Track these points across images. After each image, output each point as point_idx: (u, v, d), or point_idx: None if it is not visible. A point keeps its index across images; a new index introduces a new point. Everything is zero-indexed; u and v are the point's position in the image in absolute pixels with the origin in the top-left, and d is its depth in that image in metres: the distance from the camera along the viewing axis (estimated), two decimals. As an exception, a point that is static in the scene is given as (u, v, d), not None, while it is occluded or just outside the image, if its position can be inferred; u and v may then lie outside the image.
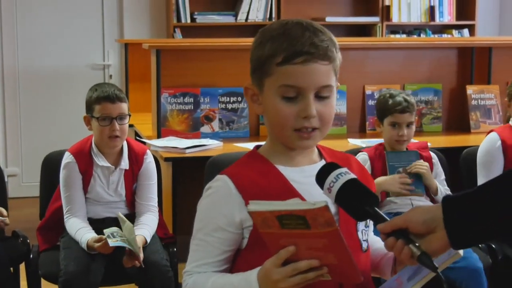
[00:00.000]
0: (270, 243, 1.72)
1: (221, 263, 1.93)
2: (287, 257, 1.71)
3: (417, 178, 4.04)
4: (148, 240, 3.84)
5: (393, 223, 1.76)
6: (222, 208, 1.91)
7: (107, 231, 3.68)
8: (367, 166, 4.04)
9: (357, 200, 1.78)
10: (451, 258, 1.81)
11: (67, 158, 3.93)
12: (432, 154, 4.23)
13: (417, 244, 1.72)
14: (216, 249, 1.92)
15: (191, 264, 1.95)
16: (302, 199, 1.90)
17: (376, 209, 1.78)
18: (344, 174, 1.79)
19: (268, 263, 1.75)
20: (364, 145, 4.68)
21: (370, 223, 2.04)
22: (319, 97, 1.90)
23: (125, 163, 3.97)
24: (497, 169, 4.24)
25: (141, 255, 3.67)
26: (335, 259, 1.70)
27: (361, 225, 1.98)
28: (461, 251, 1.81)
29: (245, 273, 1.85)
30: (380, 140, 4.21)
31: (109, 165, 3.95)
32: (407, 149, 4.15)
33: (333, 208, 1.92)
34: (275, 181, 1.94)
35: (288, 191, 1.92)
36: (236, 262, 1.96)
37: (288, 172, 1.96)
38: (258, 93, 1.97)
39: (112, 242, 3.61)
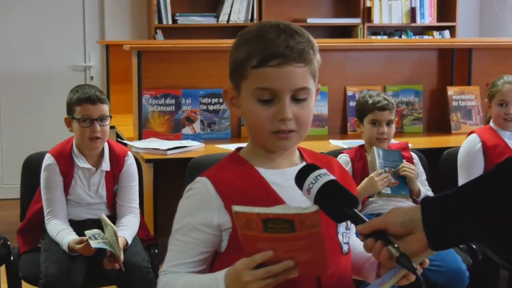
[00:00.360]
0: (247, 246, 1.70)
1: (197, 264, 1.92)
2: (262, 261, 1.69)
3: (403, 180, 4.03)
4: (129, 242, 3.84)
5: (372, 224, 1.75)
6: (201, 210, 1.91)
7: (88, 232, 3.67)
8: (349, 167, 4.05)
9: (336, 201, 1.77)
10: (423, 255, 1.81)
11: (48, 159, 3.91)
12: (413, 154, 4.24)
13: (396, 246, 1.72)
14: (192, 249, 1.91)
15: (167, 264, 1.94)
16: (282, 201, 1.90)
17: (356, 210, 1.78)
18: (324, 176, 1.78)
19: (240, 264, 1.73)
20: (345, 146, 4.69)
21: (352, 226, 2.04)
22: (296, 99, 1.89)
23: (106, 165, 3.96)
24: (478, 171, 4.26)
25: (122, 257, 3.66)
26: (309, 257, 1.69)
27: (341, 228, 1.98)
28: None
29: (215, 273, 1.84)
30: (362, 142, 4.21)
31: (90, 166, 3.94)
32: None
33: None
34: (255, 184, 1.93)
35: (268, 193, 1.92)
36: (215, 264, 1.95)
37: (269, 174, 1.95)
38: (236, 96, 1.97)
39: (94, 244, 3.60)
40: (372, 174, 3.94)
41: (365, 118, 4.09)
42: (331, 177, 1.79)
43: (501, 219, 1.67)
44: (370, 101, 4.08)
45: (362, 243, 1.81)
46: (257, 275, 1.71)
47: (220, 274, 1.80)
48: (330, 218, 1.81)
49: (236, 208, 1.66)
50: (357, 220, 1.77)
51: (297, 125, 1.90)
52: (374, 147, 4.01)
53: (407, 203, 4.04)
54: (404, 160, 4.07)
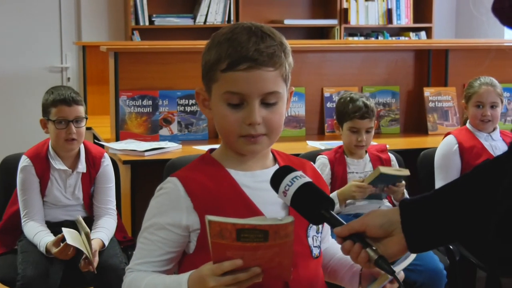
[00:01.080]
0: (216, 253, 1.68)
1: (163, 264, 1.92)
2: (230, 269, 1.68)
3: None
4: (106, 244, 3.82)
5: (350, 227, 1.75)
6: (169, 210, 1.90)
7: (65, 230, 3.66)
8: (327, 170, 4.04)
9: (313, 203, 1.77)
10: (406, 260, 1.81)
11: (24, 161, 3.90)
12: (391, 156, 4.24)
13: (374, 248, 1.72)
14: (159, 248, 1.91)
15: (133, 261, 1.94)
16: (252, 204, 1.90)
17: (332, 212, 1.78)
18: (300, 178, 1.78)
19: (206, 269, 1.72)
20: (323, 147, 4.69)
21: (325, 229, 2.05)
22: (266, 103, 1.88)
23: (82, 166, 3.95)
24: (455, 172, 4.28)
25: (96, 259, 3.66)
26: (276, 264, 1.69)
27: (311, 231, 1.97)
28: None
29: (179, 275, 1.84)
30: (339, 143, 4.21)
31: (66, 168, 3.92)
32: (366, 151, 4.13)
33: (283, 213, 1.93)
34: (225, 185, 1.92)
35: (238, 195, 1.91)
36: (183, 265, 1.95)
37: (239, 176, 1.94)
38: (208, 98, 1.97)
39: (70, 242, 3.58)
40: (352, 183, 3.91)
41: (345, 124, 4.06)
42: (307, 179, 1.79)
43: (478, 222, 1.68)
44: (350, 107, 4.02)
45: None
46: (223, 281, 1.69)
47: (184, 277, 1.80)
48: (307, 220, 1.81)
49: (210, 217, 1.64)
50: (334, 223, 1.77)
51: (267, 129, 1.90)
52: (381, 169, 3.82)
53: (385, 205, 4.04)
54: (402, 181, 3.95)
